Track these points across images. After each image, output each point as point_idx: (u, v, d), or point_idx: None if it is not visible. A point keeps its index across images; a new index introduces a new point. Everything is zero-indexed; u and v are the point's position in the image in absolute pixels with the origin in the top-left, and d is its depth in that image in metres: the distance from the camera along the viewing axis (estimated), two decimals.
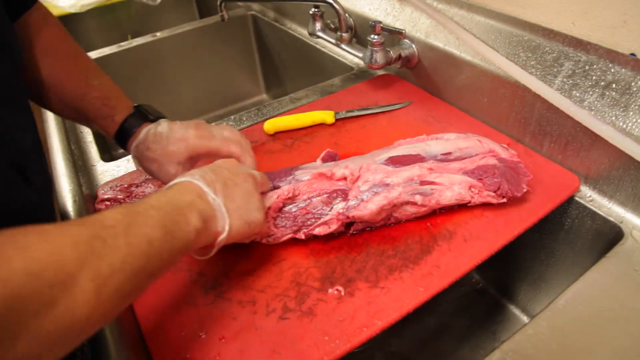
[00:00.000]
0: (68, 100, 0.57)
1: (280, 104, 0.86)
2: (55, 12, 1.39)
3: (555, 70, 0.62)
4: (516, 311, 0.82)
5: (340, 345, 0.46)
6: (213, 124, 0.63)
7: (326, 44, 1.08)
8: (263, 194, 0.56)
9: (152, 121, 0.59)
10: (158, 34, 1.26)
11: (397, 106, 0.80)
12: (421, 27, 0.81)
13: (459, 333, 0.81)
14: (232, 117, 0.83)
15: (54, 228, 0.31)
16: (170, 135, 0.56)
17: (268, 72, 1.42)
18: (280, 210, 0.56)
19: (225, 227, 0.45)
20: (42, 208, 0.48)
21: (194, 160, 0.58)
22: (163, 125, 0.57)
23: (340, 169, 0.58)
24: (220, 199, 0.46)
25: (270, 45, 1.34)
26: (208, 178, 0.47)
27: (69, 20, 1.45)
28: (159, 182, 0.65)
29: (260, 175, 0.55)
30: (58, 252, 0.30)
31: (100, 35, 1.57)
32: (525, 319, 0.81)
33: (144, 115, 0.59)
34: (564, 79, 0.61)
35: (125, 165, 0.74)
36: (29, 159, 0.46)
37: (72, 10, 1.38)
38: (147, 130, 0.58)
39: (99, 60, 1.17)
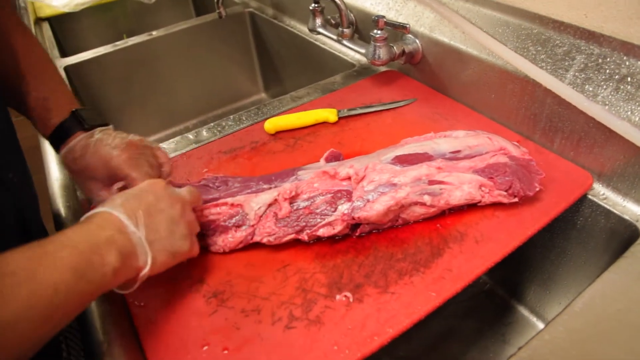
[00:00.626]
0: (17, 99, 0.55)
1: (280, 103, 0.83)
2: (49, 11, 1.37)
3: (566, 64, 0.60)
4: (526, 312, 0.80)
5: (350, 355, 0.44)
6: (154, 144, 0.59)
7: (326, 40, 1.06)
8: (195, 209, 0.53)
9: (87, 130, 0.55)
10: (154, 32, 1.23)
11: (402, 103, 0.77)
12: (425, 22, 0.78)
13: (468, 336, 0.79)
14: (232, 116, 0.81)
15: None
16: (96, 150, 0.53)
17: (266, 71, 1.40)
18: (289, 212, 0.53)
19: (148, 262, 0.43)
20: (23, 209, 0.46)
21: (114, 180, 0.55)
22: (95, 137, 0.54)
23: (344, 168, 0.56)
24: (142, 231, 0.43)
25: (268, 43, 1.31)
26: (129, 207, 0.44)
27: (63, 19, 1.43)
28: None
29: (190, 192, 0.52)
30: None
31: (95, 34, 1.55)
32: (535, 320, 0.79)
33: (79, 122, 0.55)
34: (576, 73, 0.59)
35: None
36: None
37: (66, 10, 1.35)
38: (78, 140, 0.54)
39: (93, 60, 1.15)
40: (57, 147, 0.56)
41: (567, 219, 0.64)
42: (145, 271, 0.43)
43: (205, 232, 0.54)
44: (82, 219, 0.43)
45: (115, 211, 0.43)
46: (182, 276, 0.53)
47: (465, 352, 0.77)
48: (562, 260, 0.69)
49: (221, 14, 1.00)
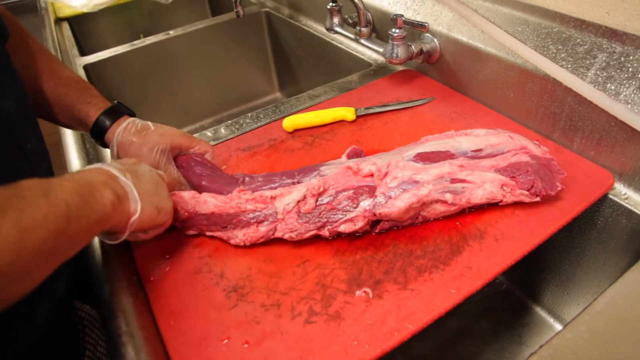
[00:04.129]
0: (46, 95, 0.60)
1: (298, 101, 0.84)
2: (68, 11, 1.39)
3: (587, 62, 0.60)
4: (543, 313, 0.79)
5: (370, 350, 0.44)
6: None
7: (342, 39, 1.06)
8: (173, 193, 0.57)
9: (132, 116, 0.64)
10: (171, 32, 1.24)
11: (420, 102, 0.77)
12: (443, 21, 0.78)
13: (484, 336, 0.79)
14: (249, 114, 0.81)
15: None
16: (156, 127, 0.62)
17: (282, 70, 1.40)
18: (313, 208, 0.54)
19: (137, 208, 0.46)
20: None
21: (174, 151, 0.63)
22: (144, 121, 0.63)
23: (367, 165, 0.56)
24: (130, 183, 0.47)
25: (284, 43, 1.32)
26: (118, 166, 0.48)
27: (81, 19, 1.45)
28: None
29: (167, 174, 0.58)
30: None
31: (112, 34, 1.56)
32: (552, 321, 0.78)
33: (125, 109, 0.64)
34: (598, 72, 0.59)
35: None
36: (16, 122, 0.47)
37: (85, 10, 1.37)
38: (131, 121, 0.62)
39: (111, 59, 1.16)
40: (102, 128, 0.61)
41: (587, 219, 0.64)
42: (135, 218, 0.46)
43: (225, 224, 0.54)
44: (74, 171, 0.47)
45: (106, 166, 0.47)
46: (203, 270, 0.53)
47: (481, 351, 0.76)
48: (581, 261, 0.68)
49: (239, 13, 1.01)
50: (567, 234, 0.68)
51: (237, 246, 0.55)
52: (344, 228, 0.53)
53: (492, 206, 0.57)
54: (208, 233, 0.56)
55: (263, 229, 0.53)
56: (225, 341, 0.46)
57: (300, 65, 1.29)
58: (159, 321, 0.49)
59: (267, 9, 1.32)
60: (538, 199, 0.55)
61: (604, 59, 0.58)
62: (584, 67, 0.60)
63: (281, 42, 1.33)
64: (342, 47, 1.06)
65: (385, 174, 0.55)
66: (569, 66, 0.61)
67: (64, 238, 0.37)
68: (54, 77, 0.61)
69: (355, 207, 0.53)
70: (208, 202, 0.56)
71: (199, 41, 1.28)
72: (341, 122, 0.76)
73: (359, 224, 0.53)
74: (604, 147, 0.61)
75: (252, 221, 0.54)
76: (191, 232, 0.57)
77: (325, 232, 0.53)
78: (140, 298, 0.51)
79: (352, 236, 0.55)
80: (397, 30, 0.77)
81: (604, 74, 0.58)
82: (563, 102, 0.63)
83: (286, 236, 0.53)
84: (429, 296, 0.48)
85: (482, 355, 0.76)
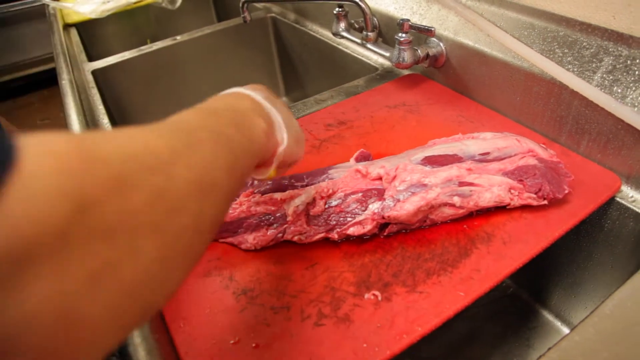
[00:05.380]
0: None
1: (305, 106, 0.84)
2: (76, 17, 1.40)
3: (594, 65, 0.60)
4: (550, 317, 0.79)
5: (379, 353, 0.44)
6: None
7: (348, 44, 1.07)
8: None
9: None
10: (178, 37, 1.25)
11: None
12: (449, 25, 0.79)
13: (491, 340, 0.79)
14: None
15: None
16: None
17: (288, 75, 1.41)
18: (322, 210, 0.54)
19: (284, 137, 0.42)
20: None
21: None
22: None
23: (375, 168, 0.56)
24: (273, 109, 0.42)
25: (290, 48, 1.33)
26: (257, 92, 0.43)
27: (89, 25, 1.46)
28: None
29: None
30: (146, 142, 0.26)
31: (120, 40, 1.58)
32: (560, 325, 0.78)
33: None
34: (604, 75, 0.59)
35: None
36: None
37: (93, 16, 1.38)
38: None
39: (119, 64, 1.17)
40: None
41: (594, 222, 0.64)
42: (282, 148, 0.42)
43: (236, 229, 0.55)
44: (212, 97, 0.41)
45: (244, 91, 0.42)
46: (213, 274, 0.54)
47: (488, 355, 0.76)
48: (589, 264, 0.68)
49: (246, 18, 1.02)
50: (575, 237, 0.68)
51: (247, 250, 0.55)
52: (352, 231, 0.53)
53: (499, 209, 0.57)
54: (220, 240, 0.56)
55: (272, 231, 0.54)
56: (235, 343, 0.46)
57: (306, 70, 1.30)
58: (169, 325, 0.49)
59: (273, 14, 1.33)
60: (545, 202, 0.55)
61: (610, 62, 0.58)
62: (590, 70, 0.60)
63: (287, 47, 1.34)
64: (348, 51, 1.06)
65: (394, 177, 0.56)
66: (575, 70, 0.61)
67: (234, 178, 0.32)
68: None
69: (364, 210, 0.54)
70: None
71: (206, 46, 1.29)
72: (348, 125, 0.76)
73: (368, 227, 0.53)
74: (611, 150, 0.61)
75: (262, 224, 0.54)
76: None
77: (334, 235, 0.53)
78: None
79: (360, 239, 0.55)
80: (404, 35, 0.77)
81: (610, 77, 0.58)
82: (569, 105, 0.64)
83: (295, 238, 0.54)
84: (438, 299, 0.48)
85: (490, 359, 0.76)
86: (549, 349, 0.46)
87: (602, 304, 0.49)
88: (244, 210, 0.55)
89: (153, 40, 1.29)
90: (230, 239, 0.55)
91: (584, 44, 0.61)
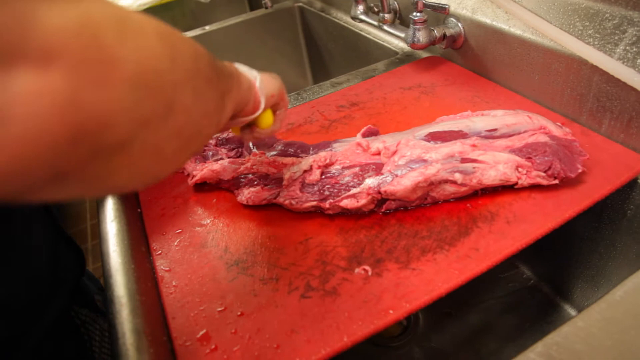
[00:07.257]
0: None
1: (320, 88, 0.84)
2: None
3: (616, 37, 0.56)
4: (572, 311, 0.74)
5: (363, 327, 0.43)
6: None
7: (371, 30, 1.05)
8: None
9: None
10: (207, 27, 1.27)
11: None
12: (467, 4, 0.76)
13: (506, 332, 0.75)
14: None
15: None
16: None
17: (315, 64, 1.41)
18: (318, 180, 0.54)
19: (256, 75, 0.46)
20: None
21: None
22: None
23: (377, 142, 0.55)
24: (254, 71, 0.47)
25: (317, 36, 1.32)
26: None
27: None
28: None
29: None
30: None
31: None
32: None
33: None
34: (627, 47, 0.55)
35: None
36: None
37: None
38: None
39: None
40: None
41: (616, 207, 0.60)
42: (258, 83, 0.46)
43: (237, 182, 0.58)
44: None
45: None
46: (209, 244, 0.54)
47: (502, 348, 0.73)
48: (612, 254, 0.64)
49: (267, 4, 1.02)
50: (596, 225, 0.64)
51: (244, 207, 0.58)
52: (346, 203, 0.52)
53: (507, 189, 0.54)
54: (223, 187, 0.61)
55: (266, 191, 0.55)
56: (221, 309, 0.46)
57: (332, 58, 1.29)
58: (161, 290, 0.50)
59: (300, 4, 1.33)
60: (556, 181, 0.52)
61: (634, 33, 0.54)
62: (612, 43, 0.56)
63: (314, 35, 1.33)
64: (370, 37, 1.04)
65: (394, 152, 0.54)
66: (596, 43, 0.57)
67: (211, 89, 0.35)
68: None
69: (360, 184, 0.52)
70: (227, 169, 0.59)
71: (235, 36, 1.31)
72: (360, 107, 0.75)
73: (363, 201, 0.52)
74: (635, 128, 0.56)
75: (259, 183, 0.56)
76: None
77: (326, 205, 0.52)
78: (145, 267, 0.52)
79: (357, 215, 0.54)
80: (418, 14, 0.75)
81: (634, 49, 0.54)
82: (590, 81, 0.60)
83: (286, 202, 0.53)
84: (430, 276, 0.46)
85: (504, 352, 0.73)
86: (549, 333, 0.43)
87: (612, 290, 0.45)
88: (248, 167, 0.58)
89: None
90: (230, 187, 0.59)
91: (607, 15, 0.57)
